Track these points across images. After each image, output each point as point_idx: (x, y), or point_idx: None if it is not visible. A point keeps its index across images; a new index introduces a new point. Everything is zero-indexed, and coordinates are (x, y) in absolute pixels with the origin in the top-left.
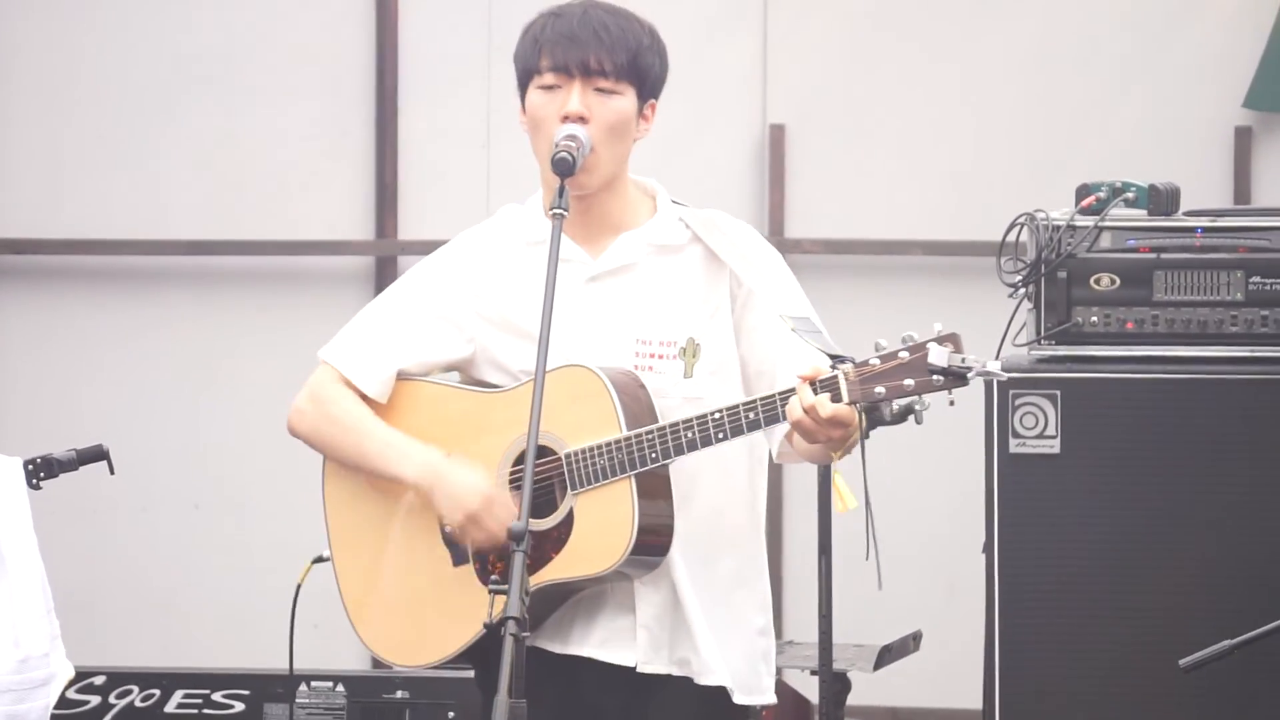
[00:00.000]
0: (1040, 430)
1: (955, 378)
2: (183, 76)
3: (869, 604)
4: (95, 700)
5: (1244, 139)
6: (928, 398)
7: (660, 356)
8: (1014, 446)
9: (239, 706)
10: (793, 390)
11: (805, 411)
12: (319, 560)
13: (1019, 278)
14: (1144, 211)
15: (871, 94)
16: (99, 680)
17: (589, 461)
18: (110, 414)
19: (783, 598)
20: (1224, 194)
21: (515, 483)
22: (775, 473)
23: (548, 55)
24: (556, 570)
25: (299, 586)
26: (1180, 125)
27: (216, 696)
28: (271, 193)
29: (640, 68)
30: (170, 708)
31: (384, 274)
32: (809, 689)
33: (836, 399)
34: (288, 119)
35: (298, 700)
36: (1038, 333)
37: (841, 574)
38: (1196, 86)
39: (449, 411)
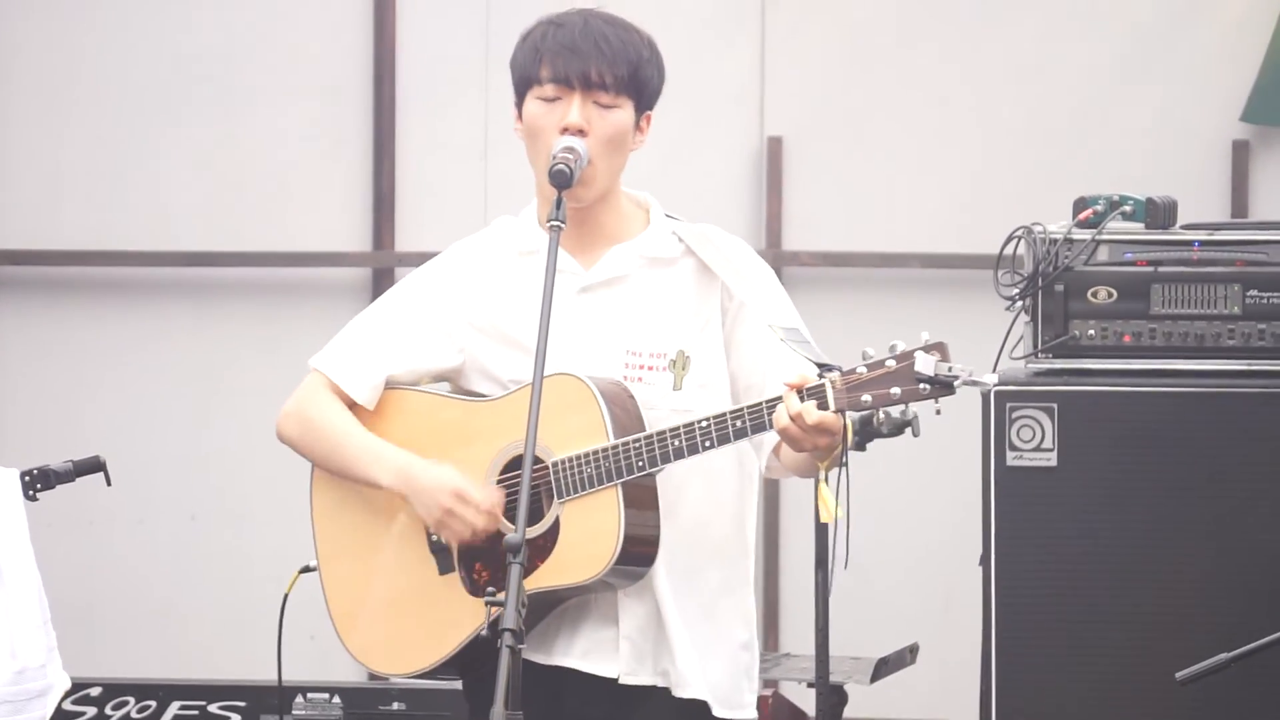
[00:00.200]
0: (1037, 443)
1: (942, 386)
2: (181, 87)
3: (866, 616)
4: (92, 711)
5: (1241, 152)
6: (915, 407)
7: (650, 368)
8: (1011, 459)
9: (235, 718)
10: (779, 398)
11: (791, 419)
12: (306, 570)
13: (1016, 290)
14: (1141, 225)
15: (869, 106)
16: (95, 691)
17: (576, 470)
18: (108, 425)
19: (779, 610)
20: (1221, 207)
21: (506, 491)
22: (773, 485)
23: (548, 65)
24: (542, 578)
25: (286, 596)
26: (1178, 139)
27: (213, 708)
28: (269, 204)
29: (639, 81)
30: (166, 719)
31: (381, 285)
32: (806, 701)
33: (823, 407)
34: (285, 130)
35: (294, 712)
36: (1035, 346)
37: (838, 586)
38: (1194, 100)
39: (437, 420)
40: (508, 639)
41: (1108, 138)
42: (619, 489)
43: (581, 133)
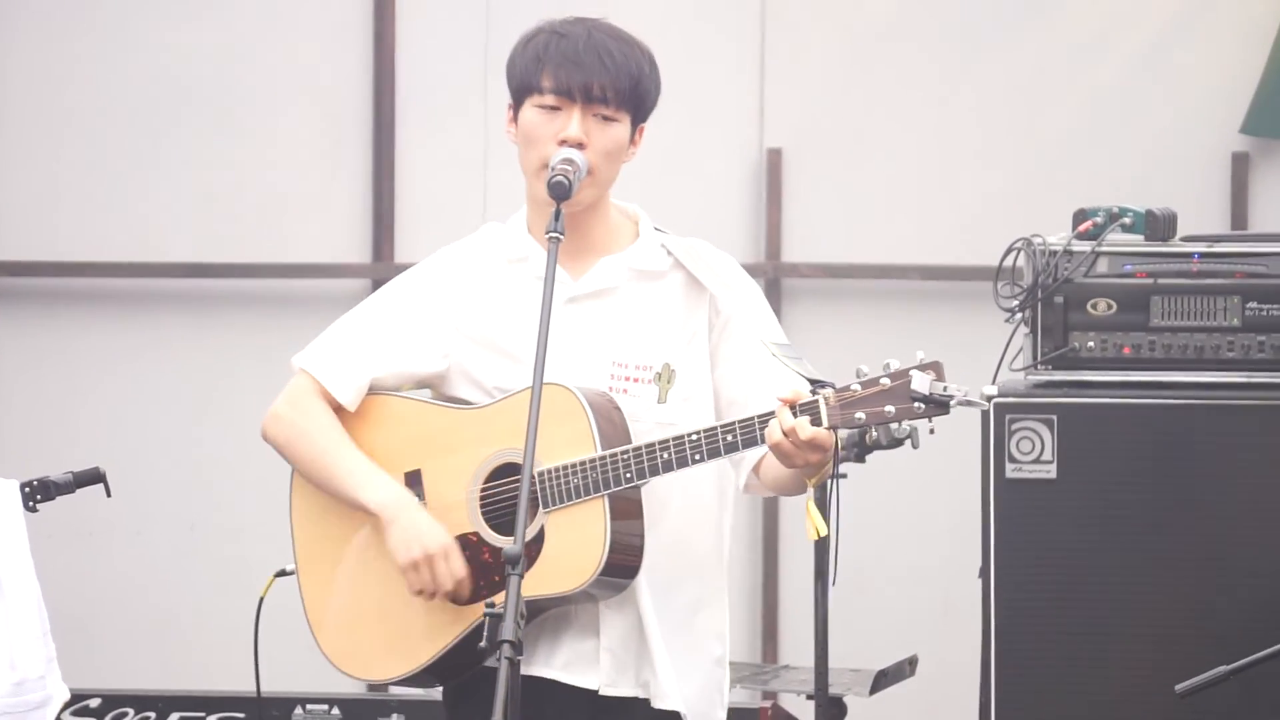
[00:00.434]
0: (1037, 455)
1: (937, 405)
2: (179, 99)
3: (865, 628)
4: None
5: (1241, 164)
6: (909, 423)
7: (635, 380)
8: (1010, 471)
9: None
10: (772, 413)
11: (785, 434)
12: (282, 574)
13: (1016, 302)
14: (1141, 237)
15: (869, 119)
16: (94, 703)
17: (563, 480)
18: (106, 436)
19: (779, 622)
20: (1221, 219)
21: (488, 500)
22: (772, 497)
23: (550, 76)
24: (525, 588)
25: (261, 599)
26: (1177, 151)
27: (212, 719)
28: (268, 216)
29: (639, 95)
30: None
31: None
32: (805, 713)
33: (817, 423)
34: (284, 141)
35: None
36: (1034, 357)
37: (838, 598)
38: (1194, 112)
39: (421, 427)
40: (507, 650)
41: (1107, 150)
42: (605, 500)
43: (580, 145)
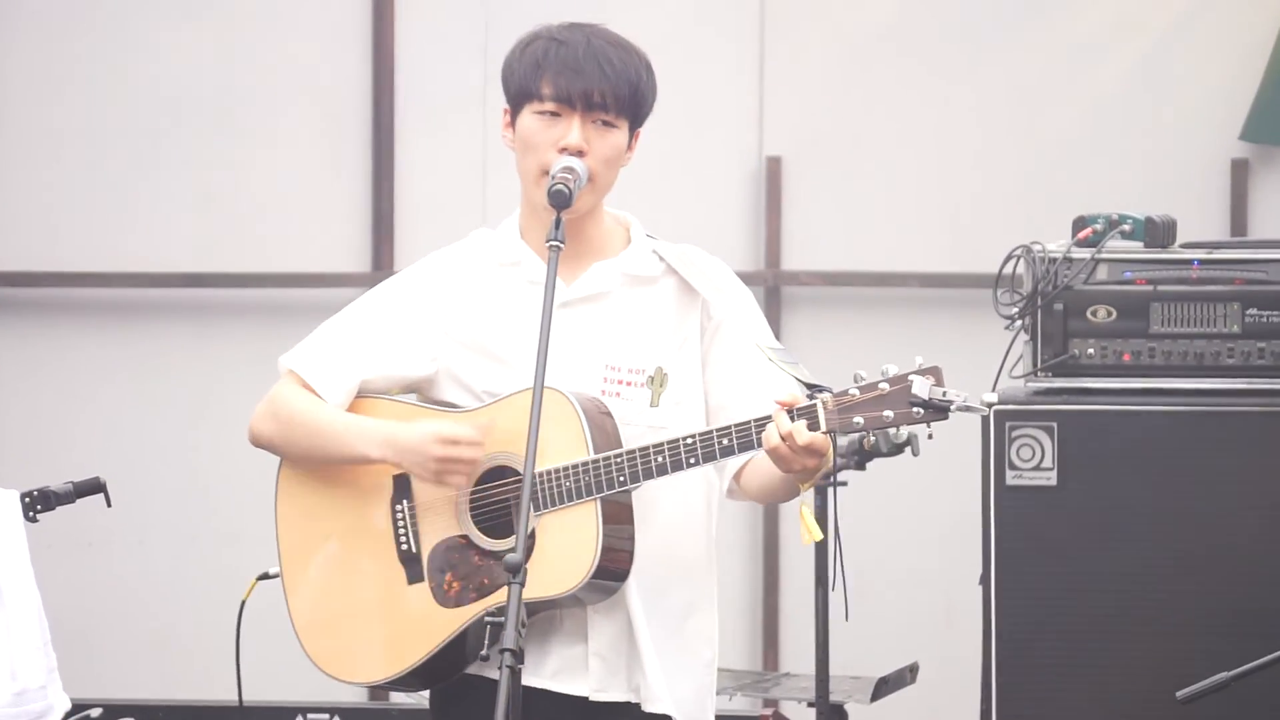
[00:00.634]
0: (1037, 462)
1: (936, 411)
2: (177, 109)
3: (866, 635)
4: None
5: (1240, 171)
6: (906, 428)
7: (628, 384)
8: (1011, 479)
9: None
10: (768, 417)
11: (782, 438)
12: (264, 577)
13: (1015, 310)
14: (1140, 244)
15: (868, 126)
16: (95, 713)
17: (555, 483)
18: (105, 446)
19: (779, 629)
20: (1221, 226)
21: (479, 503)
22: (772, 505)
23: (550, 83)
24: None
25: (243, 603)
26: (1177, 158)
27: None
28: (267, 225)
29: (638, 101)
30: None
31: None
32: None
33: (814, 427)
34: (284, 150)
35: None
36: (1034, 365)
37: (838, 605)
38: (1193, 119)
39: None
40: (508, 659)
41: (1106, 157)
42: (598, 504)
43: (581, 153)
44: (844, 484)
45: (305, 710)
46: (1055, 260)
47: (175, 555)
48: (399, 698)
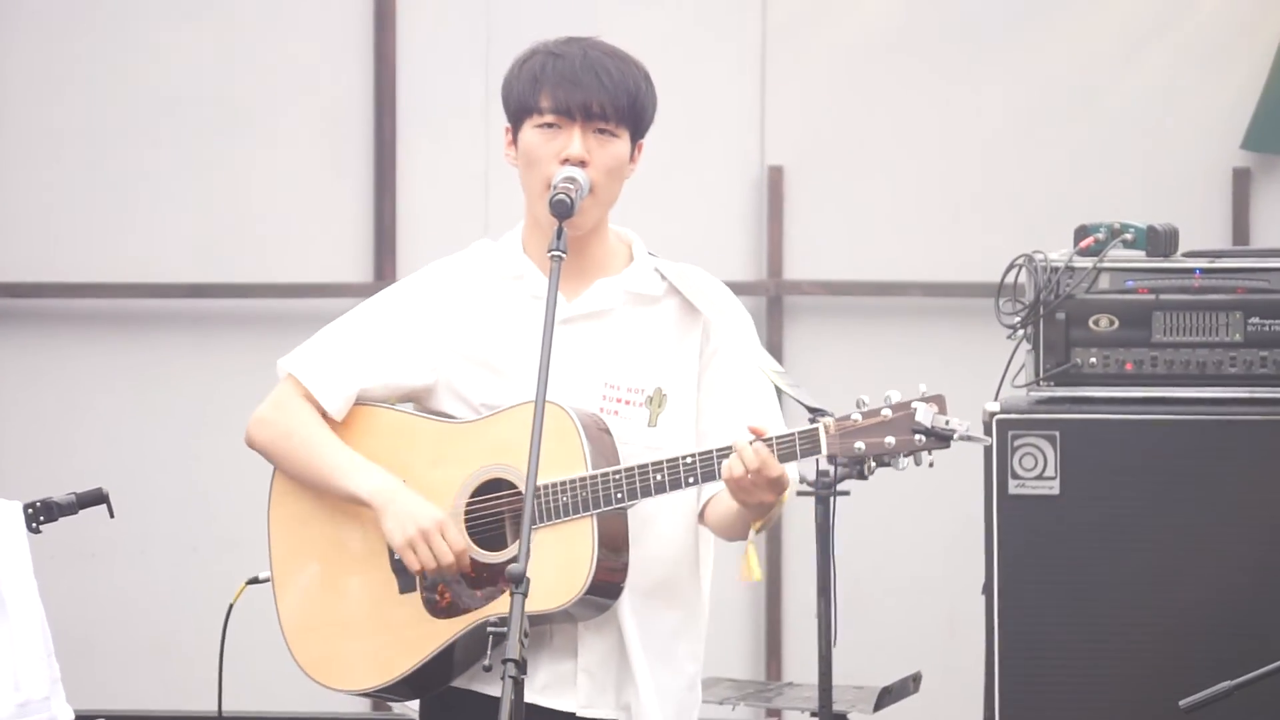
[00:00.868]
0: (1039, 471)
1: (939, 439)
2: (178, 120)
3: (869, 645)
4: None
5: (1242, 180)
6: (905, 457)
7: (626, 402)
8: (1013, 488)
9: None
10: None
11: (748, 470)
12: (254, 581)
13: (1018, 319)
14: (1142, 253)
15: (870, 135)
16: None
17: (551, 498)
18: (107, 457)
19: (782, 639)
20: (1222, 235)
21: (473, 515)
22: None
23: (548, 95)
24: (505, 604)
25: (231, 606)
26: (1178, 167)
27: None
28: (269, 236)
29: (638, 111)
30: None
31: None
32: None
33: (815, 451)
34: (285, 161)
35: None
36: (1037, 374)
37: (841, 615)
38: (1195, 128)
39: (407, 439)
40: (510, 669)
41: (1108, 165)
42: (594, 520)
43: (582, 163)
44: (846, 493)
45: None
46: (1057, 269)
47: (176, 565)
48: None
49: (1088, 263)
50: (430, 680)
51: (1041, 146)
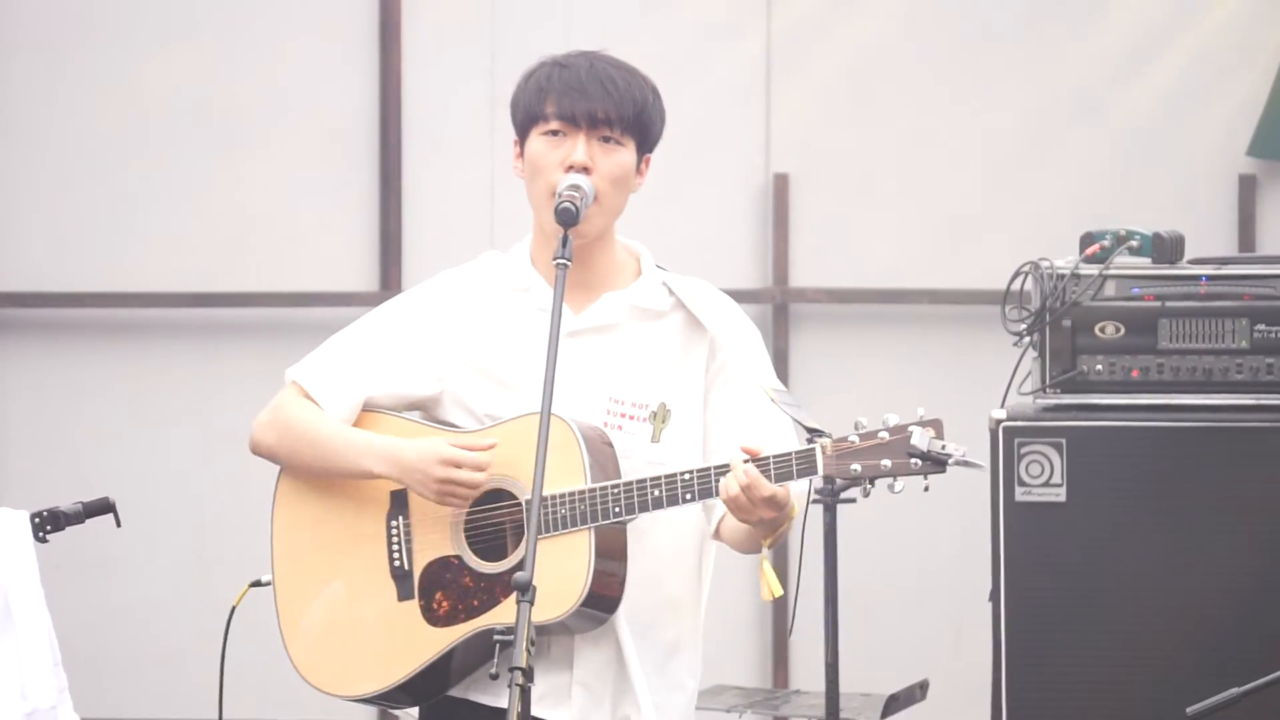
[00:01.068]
0: (1046, 479)
1: (934, 463)
2: (185, 130)
3: (876, 652)
4: None
5: (1248, 187)
6: (902, 479)
7: (631, 417)
8: (1020, 495)
9: None
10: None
11: (742, 488)
12: (256, 584)
13: (1023, 326)
14: (1148, 260)
15: (875, 143)
16: None
17: (550, 510)
18: (114, 466)
19: (789, 646)
20: (1228, 242)
21: (472, 525)
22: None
23: (554, 104)
24: (504, 614)
25: (234, 609)
26: (1184, 173)
27: None
28: (275, 245)
29: (643, 122)
30: None
31: None
32: None
33: (811, 472)
34: (291, 171)
35: None
36: (1043, 381)
37: (848, 623)
38: (1200, 135)
39: None
40: (517, 677)
41: (1114, 172)
42: (591, 533)
43: (586, 170)
44: (852, 501)
45: None
46: (1063, 276)
47: (182, 574)
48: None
49: (1093, 270)
50: (428, 688)
51: (1047, 154)
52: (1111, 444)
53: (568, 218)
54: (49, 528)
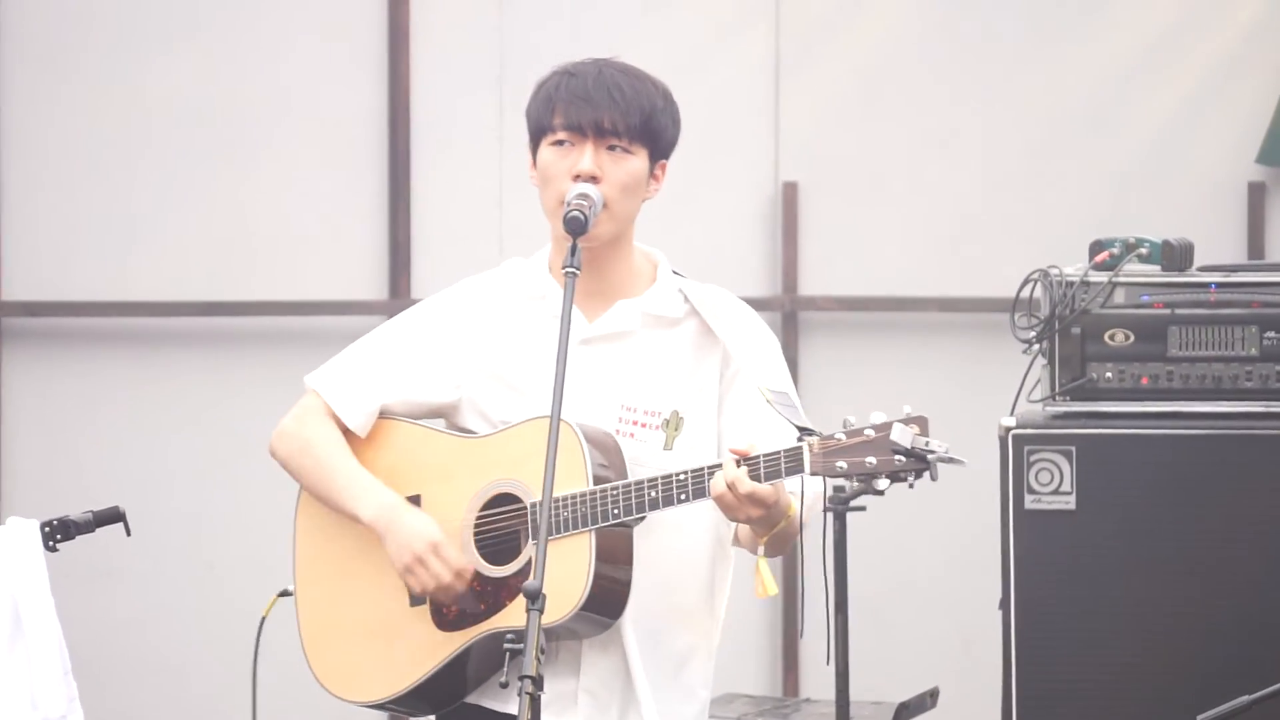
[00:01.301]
0: (1055, 486)
1: (916, 459)
2: (192, 138)
3: (886, 660)
4: None
5: (1257, 194)
6: (886, 478)
7: (643, 425)
8: (1029, 503)
9: None
10: (758, 458)
11: (727, 486)
12: (285, 594)
13: (1033, 334)
14: (1158, 267)
15: (884, 151)
16: None
17: (552, 513)
18: (123, 475)
19: (799, 654)
20: (1238, 249)
21: (482, 528)
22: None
23: (561, 113)
24: (509, 618)
25: (263, 619)
26: (1193, 181)
27: None
28: (284, 253)
29: (653, 129)
30: None
31: None
32: None
33: (799, 470)
34: (299, 179)
35: None
36: (1052, 389)
37: (858, 630)
38: (1209, 142)
39: (422, 452)
40: (527, 685)
41: (1123, 180)
42: (592, 535)
43: (595, 179)
44: (862, 509)
45: None
46: (1072, 284)
47: (192, 583)
48: None
49: (1103, 277)
50: (442, 693)
51: (1056, 161)
52: (1121, 451)
53: (576, 226)
54: (59, 537)
